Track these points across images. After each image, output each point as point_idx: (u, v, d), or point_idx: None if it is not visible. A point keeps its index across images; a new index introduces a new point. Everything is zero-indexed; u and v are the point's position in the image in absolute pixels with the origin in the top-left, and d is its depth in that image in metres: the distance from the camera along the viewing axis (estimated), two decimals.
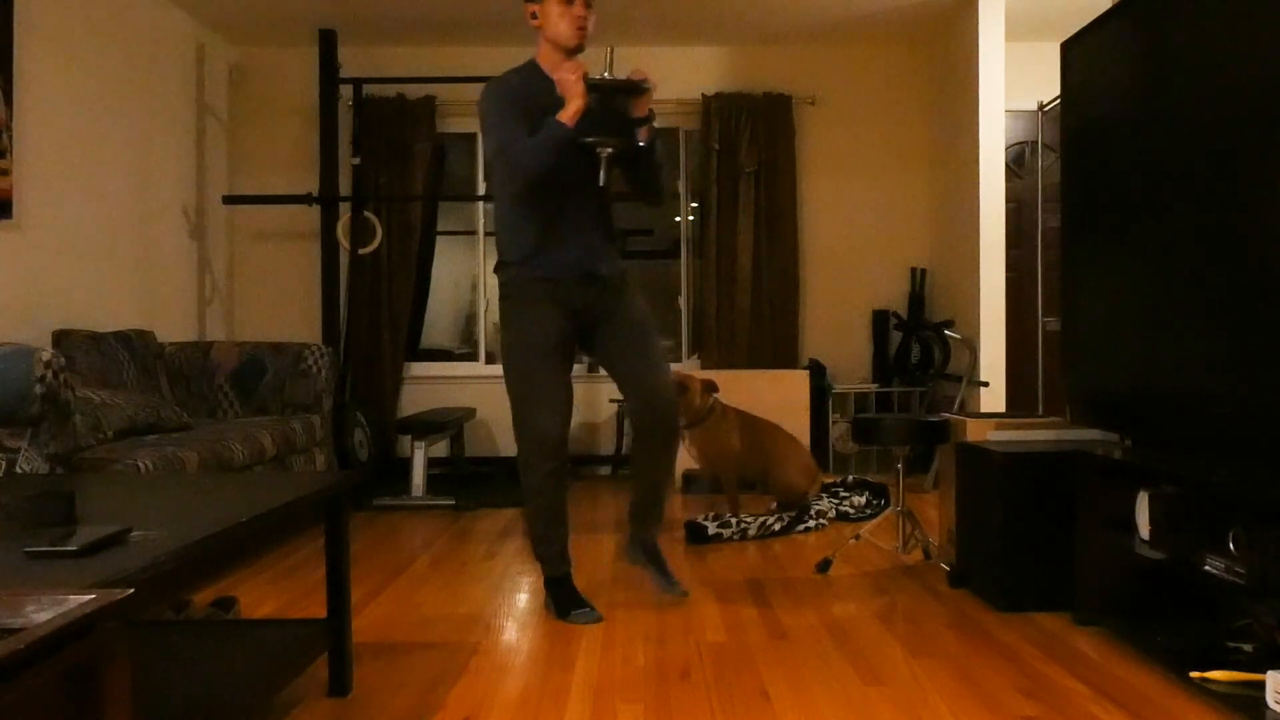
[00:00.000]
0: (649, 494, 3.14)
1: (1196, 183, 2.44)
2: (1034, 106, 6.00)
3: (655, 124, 3.01)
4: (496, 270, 3.07)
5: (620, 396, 3.05)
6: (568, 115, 2.82)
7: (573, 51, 2.97)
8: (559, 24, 2.94)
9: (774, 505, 4.52)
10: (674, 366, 6.14)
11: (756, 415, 4.59)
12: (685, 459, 5.43)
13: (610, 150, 2.90)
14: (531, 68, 3.04)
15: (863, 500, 4.79)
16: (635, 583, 3.40)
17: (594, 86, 2.86)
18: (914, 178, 6.29)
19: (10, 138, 3.99)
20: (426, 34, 5.97)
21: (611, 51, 2.95)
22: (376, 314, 6.03)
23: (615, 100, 2.95)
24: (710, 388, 4.36)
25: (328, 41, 5.71)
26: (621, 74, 2.90)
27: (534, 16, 2.98)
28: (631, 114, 2.95)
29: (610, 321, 3.05)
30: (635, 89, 2.90)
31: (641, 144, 2.98)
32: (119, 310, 4.81)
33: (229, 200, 5.71)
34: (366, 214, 5.77)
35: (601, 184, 2.94)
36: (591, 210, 3.04)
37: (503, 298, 3.05)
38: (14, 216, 4.02)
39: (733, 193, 6.10)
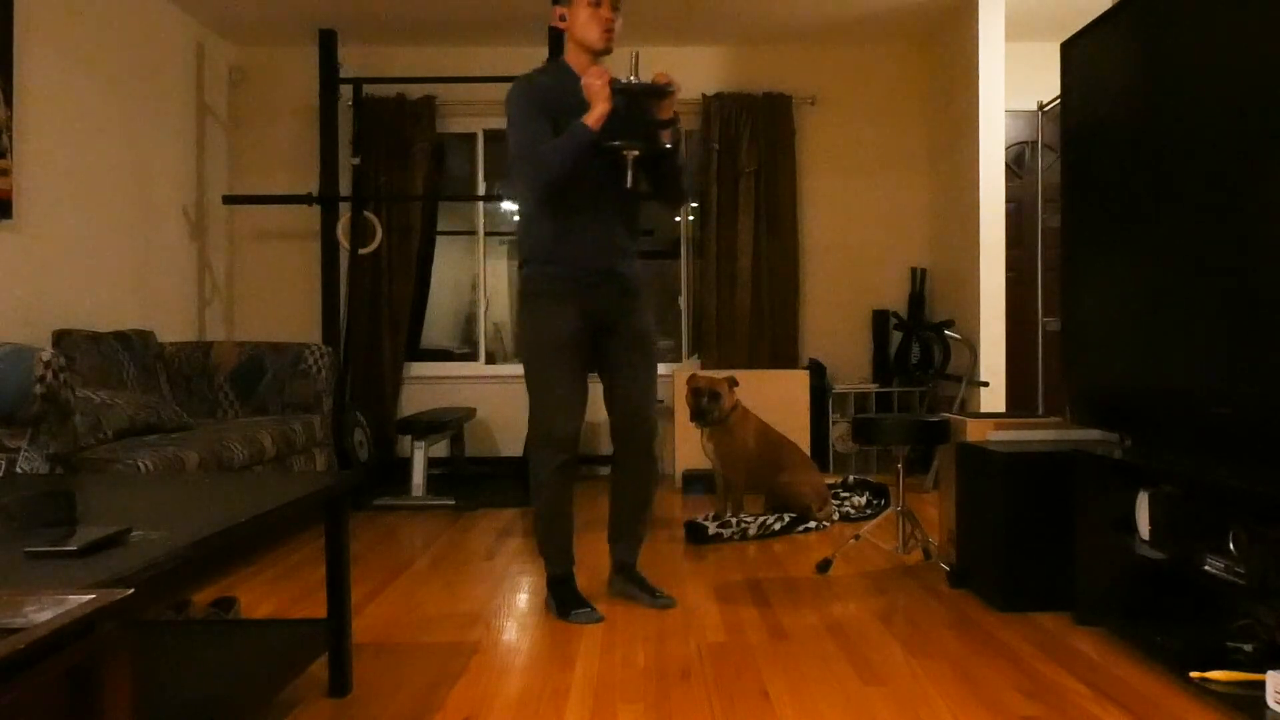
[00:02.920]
0: (627, 514, 3.22)
1: (1196, 182, 2.44)
2: (1034, 106, 5.99)
3: (679, 125, 3.05)
4: (519, 270, 3.12)
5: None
6: (592, 119, 2.86)
7: (600, 54, 3.02)
8: (587, 27, 2.98)
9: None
10: (674, 367, 6.16)
11: (778, 430, 4.63)
12: (687, 458, 5.46)
13: (635, 153, 2.96)
14: (559, 67, 3.08)
15: (863, 500, 4.79)
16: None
17: (619, 90, 2.91)
18: (914, 178, 6.29)
19: (10, 138, 3.99)
20: (426, 34, 5.97)
21: (636, 55, 3.00)
22: (376, 314, 6.03)
23: (640, 103, 3.00)
24: (733, 384, 4.39)
25: (328, 41, 5.71)
26: (646, 76, 2.93)
27: (562, 19, 3.03)
28: (656, 116, 2.99)
29: (618, 332, 3.09)
30: (659, 92, 2.94)
31: (666, 146, 3.02)
32: (119, 310, 4.82)
33: (229, 200, 5.71)
34: (366, 214, 5.77)
35: (629, 186, 2.98)
36: (613, 211, 3.06)
37: (522, 295, 3.09)
38: (14, 216, 4.02)
39: (733, 193, 6.10)
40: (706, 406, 4.29)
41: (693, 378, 4.38)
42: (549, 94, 2.97)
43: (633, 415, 3.14)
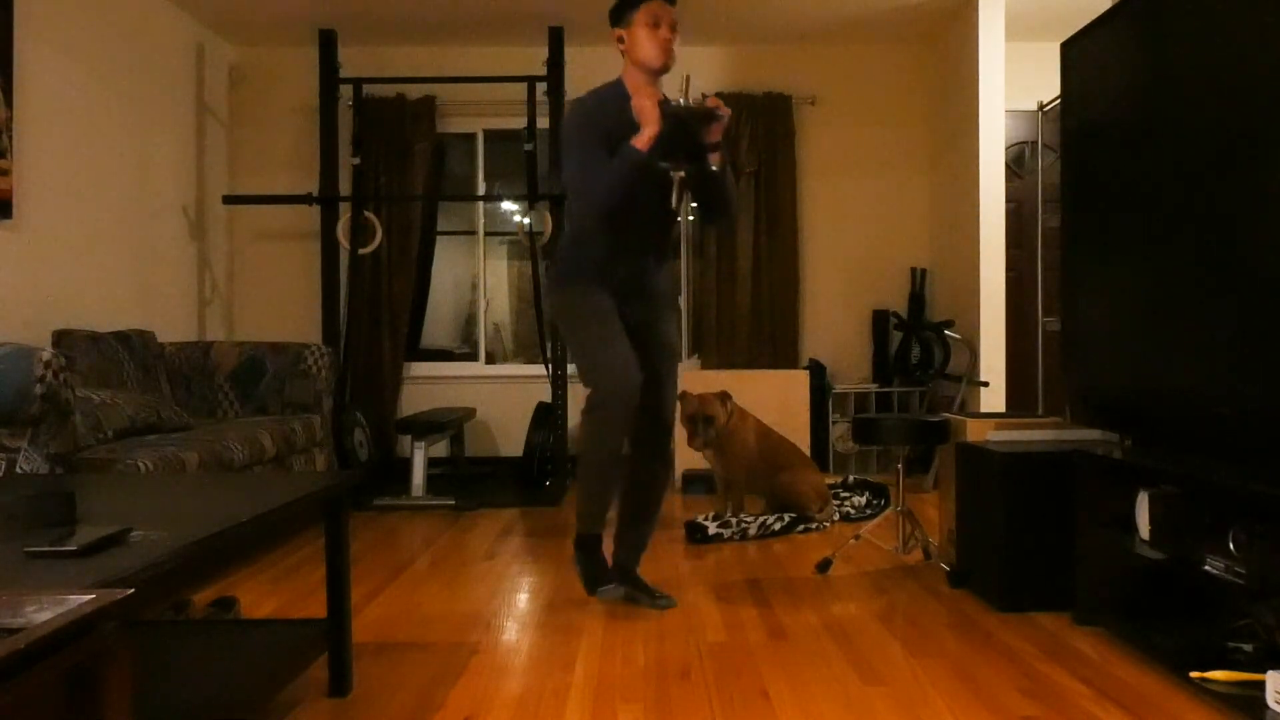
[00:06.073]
0: (630, 516, 3.24)
1: (1196, 183, 2.44)
2: (1034, 106, 6.00)
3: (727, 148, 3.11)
4: (550, 274, 3.17)
5: None
6: (642, 141, 2.91)
7: (658, 73, 3.05)
8: (645, 46, 3.02)
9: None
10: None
11: (775, 431, 4.63)
12: (687, 458, 5.46)
13: (683, 174, 2.98)
14: (615, 87, 3.12)
15: (863, 500, 4.79)
16: None
17: (669, 113, 2.94)
18: (914, 178, 6.29)
19: (10, 138, 3.99)
20: (426, 34, 5.97)
21: (688, 79, 3.02)
22: (376, 314, 6.03)
23: (689, 126, 3.04)
24: (725, 398, 4.37)
25: (328, 41, 5.71)
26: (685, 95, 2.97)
27: (621, 41, 3.08)
28: (705, 139, 3.03)
29: (646, 341, 3.17)
30: (709, 116, 2.97)
31: (714, 169, 3.07)
32: (119, 310, 4.82)
33: (229, 200, 5.71)
34: (366, 214, 5.77)
35: (674, 206, 3.02)
36: (654, 230, 3.16)
37: (557, 287, 3.12)
38: (14, 216, 4.02)
39: None
40: (702, 431, 4.28)
41: (684, 398, 4.25)
42: (604, 116, 3.01)
43: (653, 421, 3.20)
